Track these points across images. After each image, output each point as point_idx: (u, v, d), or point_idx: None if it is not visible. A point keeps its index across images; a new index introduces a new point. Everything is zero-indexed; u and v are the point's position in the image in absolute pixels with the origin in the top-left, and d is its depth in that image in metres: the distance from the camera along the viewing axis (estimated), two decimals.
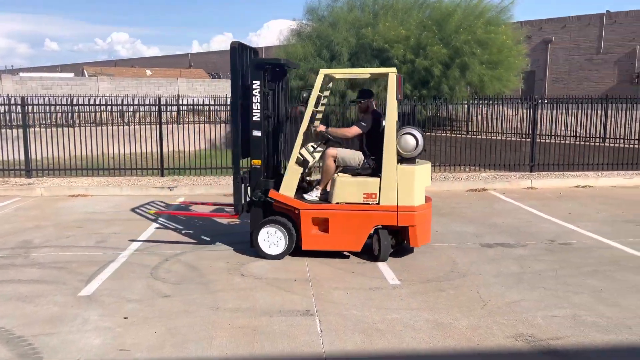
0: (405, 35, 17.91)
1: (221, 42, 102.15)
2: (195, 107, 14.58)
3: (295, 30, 20.78)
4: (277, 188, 5.94)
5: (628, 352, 3.85)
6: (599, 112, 13.89)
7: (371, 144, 5.89)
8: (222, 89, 31.13)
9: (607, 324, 4.25)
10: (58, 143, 12.11)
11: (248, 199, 6.21)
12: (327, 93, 6.82)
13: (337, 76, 6.26)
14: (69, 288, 5.08)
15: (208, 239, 6.86)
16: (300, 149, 5.89)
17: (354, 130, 5.91)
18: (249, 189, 6.17)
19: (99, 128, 14.10)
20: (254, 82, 5.84)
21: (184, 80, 32.03)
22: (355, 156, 5.86)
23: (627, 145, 13.04)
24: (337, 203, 5.72)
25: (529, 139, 12.66)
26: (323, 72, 5.83)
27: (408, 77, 17.53)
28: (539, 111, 12.70)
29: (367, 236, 5.74)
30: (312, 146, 6.15)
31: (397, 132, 5.61)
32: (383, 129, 5.67)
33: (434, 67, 17.39)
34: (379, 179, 5.63)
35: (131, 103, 14.21)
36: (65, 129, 13.63)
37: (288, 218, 5.92)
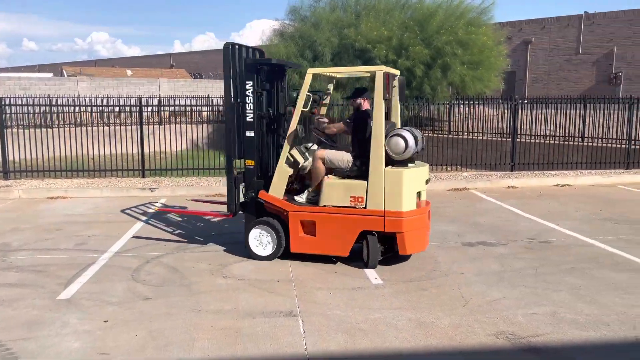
0: (388, 36, 17.99)
1: (203, 42, 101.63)
2: (177, 107, 14.46)
3: (277, 30, 20.76)
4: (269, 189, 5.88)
5: (606, 348, 3.91)
6: (578, 112, 14.12)
7: (361, 145, 5.65)
8: (204, 89, 30.94)
9: (585, 321, 4.32)
10: (36, 144, 11.92)
11: (242, 200, 6.18)
12: (329, 91, 6.62)
13: (326, 75, 6.17)
14: (48, 291, 5.00)
15: (201, 239, 6.81)
16: (291, 149, 5.82)
17: (338, 125, 5.80)
18: (242, 189, 6.13)
19: (78, 129, 13.90)
20: (247, 82, 5.82)
21: (166, 81, 31.75)
22: (343, 158, 5.68)
23: (605, 145, 13.27)
24: (324, 206, 5.59)
25: (510, 139, 12.82)
26: (311, 71, 5.73)
27: None
28: (519, 111, 12.86)
29: (353, 241, 5.54)
30: (306, 147, 6.09)
31: (388, 133, 5.42)
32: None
33: (416, 67, 17.49)
34: (366, 182, 5.44)
35: (111, 103, 14.05)
36: (44, 129, 13.41)
37: (279, 219, 5.84)
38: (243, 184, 6.10)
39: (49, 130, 13.47)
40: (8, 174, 11.12)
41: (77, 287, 5.12)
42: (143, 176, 11.36)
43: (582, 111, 14.22)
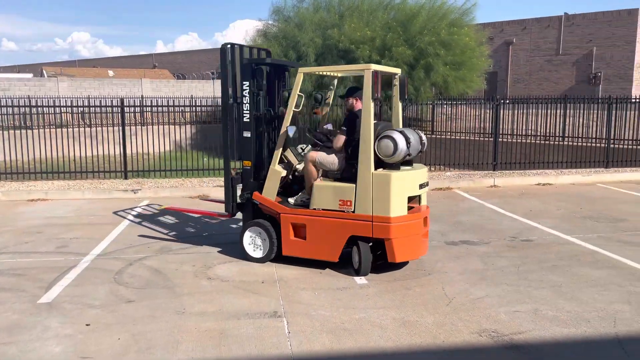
0: (371, 37, 18.05)
1: (186, 42, 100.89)
2: (159, 107, 14.35)
3: (261, 30, 20.68)
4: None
5: (587, 345, 3.97)
6: (559, 111, 14.34)
7: (352, 146, 5.42)
8: (187, 89, 30.74)
9: (566, 318, 4.38)
10: (16, 146, 11.72)
11: (239, 200, 6.14)
12: (331, 91, 6.50)
13: (317, 73, 6.12)
14: (28, 295, 4.92)
15: (186, 240, 6.76)
16: (285, 150, 5.77)
17: (340, 139, 5.48)
18: (239, 189, 6.09)
19: (59, 130, 13.71)
20: (243, 82, 5.80)
21: (148, 81, 31.48)
22: (332, 160, 5.50)
23: (585, 144, 13.48)
24: (314, 209, 5.47)
25: (492, 139, 12.95)
26: (302, 70, 5.62)
27: None
28: (501, 111, 13.02)
29: (342, 246, 5.36)
30: (302, 148, 6.02)
31: (379, 134, 5.22)
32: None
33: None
34: (355, 185, 5.27)
35: (93, 104, 13.88)
36: (24, 131, 13.21)
37: (273, 222, 5.75)
38: (240, 184, 6.07)
39: (29, 131, 13.26)
40: None
41: (58, 290, 5.05)
42: (125, 178, 11.25)
43: (562, 111, 14.44)
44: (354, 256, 5.44)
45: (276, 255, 5.74)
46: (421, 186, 5.51)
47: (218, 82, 31.87)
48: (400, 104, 5.89)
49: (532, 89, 28.03)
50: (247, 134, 5.87)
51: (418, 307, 4.61)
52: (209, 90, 31.02)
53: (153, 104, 13.78)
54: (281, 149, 5.72)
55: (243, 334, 4.11)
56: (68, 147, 12.23)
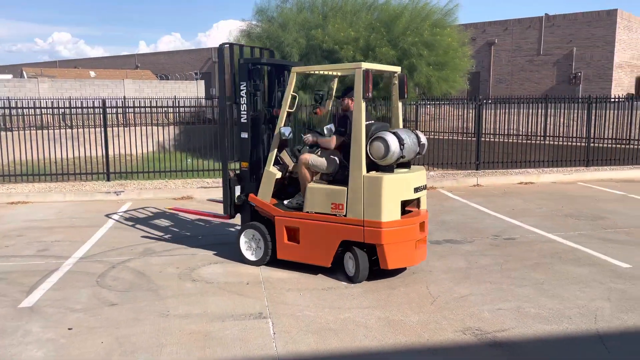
0: (355, 37, 18.09)
1: (169, 43, 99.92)
2: (142, 108, 14.22)
3: (245, 31, 20.60)
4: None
5: (569, 341, 4.03)
6: (540, 111, 14.51)
7: (346, 148, 5.26)
8: (170, 90, 30.49)
9: (548, 315, 4.44)
10: None
11: (236, 202, 6.09)
12: (333, 87, 6.33)
13: (310, 72, 6.06)
14: (9, 299, 4.85)
15: (170, 242, 6.70)
16: (280, 152, 5.72)
17: (332, 140, 5.36)
18: (237, 191, 6.04)
19: (39, 132, 13.52)
20: (241, 83, 5.77)
21: (131, 82, 31.14)
22: (325, 162, 5.38)
23: (566, 143, 13.67)
24: (308, 212, 5.34)
25: (475, 138, 13.07)
26: (295, 70, 5.53)
27: None
28: (484, 111, 13.15)
29: (334, 251, 5.22)
30: (298, 149, 5.96)
31: (372, 135, 5.08)
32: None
33: None
34: (347, 188, 5.11)
35: (74, 105, 13.71)
36: (3, 133, 13.00)
37: (268, 224, 5.66)
38: (239, 186, 6.04)
39: (9, 133, 13.05)
40: None
41: (39, 294, 4.98)
42: (108, 179, 11.14)
43: (543, 111, 14.62)
44: (346, 262, 5.29)
45: (271, 259, 5.68)
46: (417, 190, 5.29)
47: (201, 83, 31.73)
48: (400, 104, 5.74)
49: (514, 89, 28.33)
50: (244, 135, 5.85)
51: (403, 307, 4.64)
52: (192, 90, 30.82)
53: (136, 105, 13.65)
54: (276, 150, 5.66)
55: (228, 336, 4.09)
56: (49, 149, 12.06)
